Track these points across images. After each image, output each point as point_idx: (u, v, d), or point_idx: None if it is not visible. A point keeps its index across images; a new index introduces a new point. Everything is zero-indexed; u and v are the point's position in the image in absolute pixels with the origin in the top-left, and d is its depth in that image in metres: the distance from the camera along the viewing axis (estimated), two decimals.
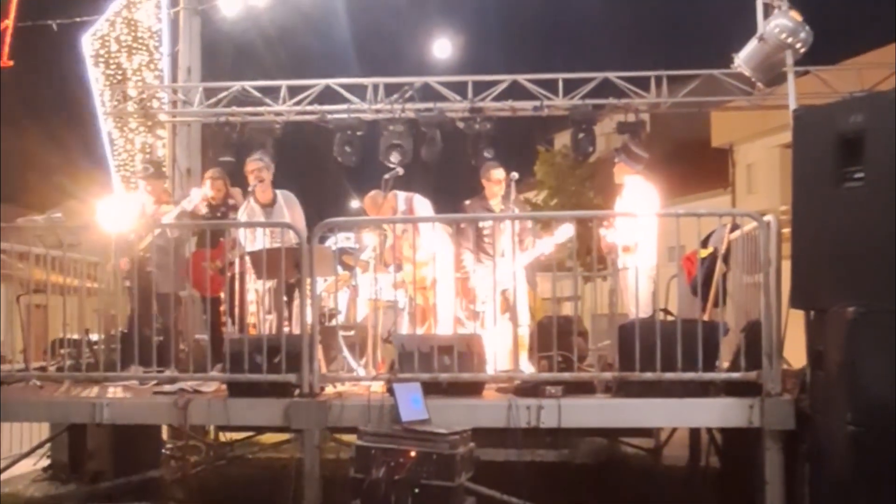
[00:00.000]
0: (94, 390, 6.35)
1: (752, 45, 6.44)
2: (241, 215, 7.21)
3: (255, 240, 6.98)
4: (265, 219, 7.18)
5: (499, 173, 7.23)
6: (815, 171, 4.99)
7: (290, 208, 7.29)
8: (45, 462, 7.81)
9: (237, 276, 6.90)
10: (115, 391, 6.36)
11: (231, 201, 7.56)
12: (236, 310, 6.87)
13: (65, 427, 7.34)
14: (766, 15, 6.27)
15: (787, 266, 5.30)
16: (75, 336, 6.87)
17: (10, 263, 6.97)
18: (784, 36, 6.19)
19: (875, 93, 6.42)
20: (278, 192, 7.37)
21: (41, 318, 7.21)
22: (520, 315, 6.71)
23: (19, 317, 7.00)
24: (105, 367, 6.62)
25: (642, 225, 6.60)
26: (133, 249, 6.98)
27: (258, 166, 7.28)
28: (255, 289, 7.02)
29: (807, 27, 6.20)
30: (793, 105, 5.96)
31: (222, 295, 7.10)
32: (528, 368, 6.69)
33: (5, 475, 7.14)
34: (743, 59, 6.62)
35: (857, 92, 9.57)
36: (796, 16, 6.18)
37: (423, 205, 7.49)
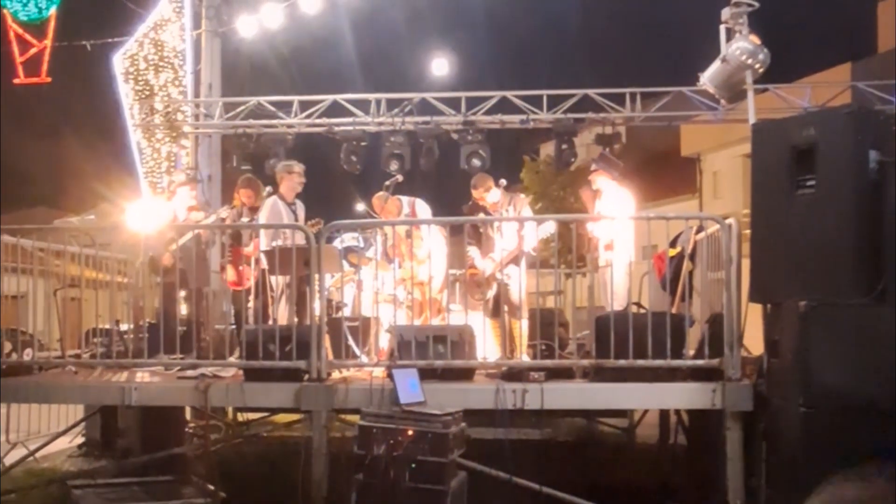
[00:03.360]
0: (123, 375, 6.35)
1: (715, 66, 6.43)
2: (267, 208, 7.30)
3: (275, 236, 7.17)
4: (287, 214, 7.33)
5: (476, 193, 7.24)
6: (772, 180, 4.99)
7: (302, 210, 7.53)
8: (80, 440, 7.82)
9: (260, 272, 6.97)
10: (142, 376, 6.36)
11: (259, 203, 7.72)
12: (255, 301, 6.92)
13: (97, 408, 7.35)
14: (729, 38, 6.25)
15: (746, 264, 5.31)
16: (107, 326, 6.87)
17: (47, 260, 6.96)
18: (744, 57, 6.18)
19: (826, 109, 6.42)
20: (297, 200, 7.60)
21: (76, 310, 7.19)
22: (517, 308, 6.74)
23: (56, 309, 6.99)
24: (133, 354, 6.62)
25: (619, 226, 6.61)
26: (167, 249, 7.03)
27: (295, 181, 7.47)
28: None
29: (765, 49, 6.18)
30: (752, 119, 5.96)
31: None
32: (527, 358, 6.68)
33: (44, 451, 7.16)
34: (707, 78, 6.61)
35: (811, 107, 9.62)
36: (755, 39, 6.17)
37: (423, 209, 7.54)
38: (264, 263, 6.86)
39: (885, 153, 4.62)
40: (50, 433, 7.47)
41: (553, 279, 6.85)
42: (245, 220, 7.64)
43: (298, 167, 7.64)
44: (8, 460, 6.80)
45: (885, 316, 4.48)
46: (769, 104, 9.52)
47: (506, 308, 6.61)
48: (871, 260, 4.55)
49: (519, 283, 6.80)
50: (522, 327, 6.83)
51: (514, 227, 6.83)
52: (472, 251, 7.12)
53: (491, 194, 7.11)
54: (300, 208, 7.54)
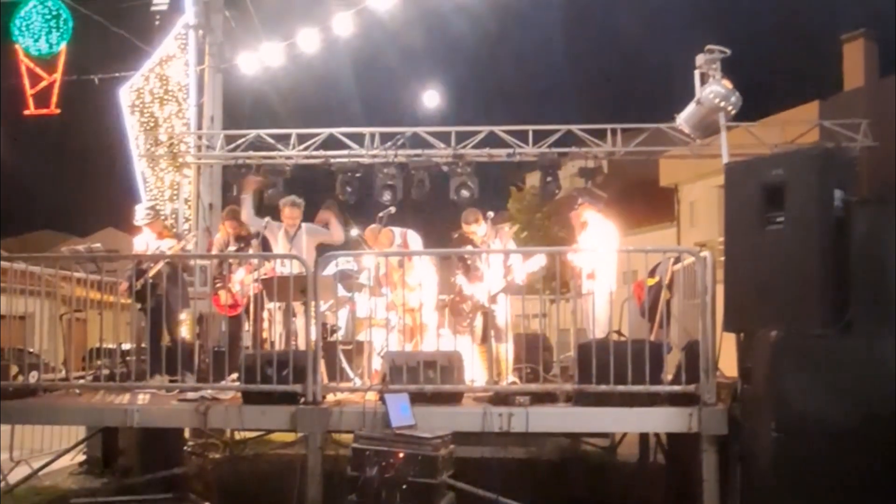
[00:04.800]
0: (125, 397, 6.32)
1: (690, 108, 6.51)
2: (274, 231, 7.50)
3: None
4: (288, 241, 7.46)
5: (466, 226, 7.23)
6: (744, 216, 5.07)
7: (310, 235, 7.54)
8: (82, 458, 7.74)
9: (253, 298, 6.97)
10: (143, 397, 6.33)
11: (244, 233, 7.74)
12: (252, 326, 6.93)
13: (99, 428, 7.30)
14: (703, 82, 6.35)
15: (721, 289, 5.35)
16: (110, 345, 6.85)
17: (54, 283, 6.95)
18: (718, 101, 6.26)
19: (793, 150, 6.51)
20: (304, 224, 7.60)
21: (81, 330, 7.17)
22: (503, 333, 6.77)
23: (61, 333, 6.96)
24: (135, 376, 6.59)
25: (602, 257, 6.67)
26: (141, 276, 7.07)
27: (292, 214, 7.56)
28: (268, 308, 7.09)
29: (737, 93, 6.27)
30: (725, 158, 6.03)
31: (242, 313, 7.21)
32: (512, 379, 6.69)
33: (47, 469, 7.08)
34: (683, 119, 6.69)
35: (780, 145, 9.75)
36: (727, 83, 6.27)
37: (415, 239, 7.58)
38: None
39: (849, 192, 4.72)
40: (53, 451, 7.39)
41: (538, 302, 6.90)
42: (232, 248, 7.72)
43: (286, 206, 7.64)
44: (12, 478, 6.72)
45: (851, 345, 4.55)
46: (741, 140, 9.63)
47: (492, 332, 6.63)
48: (838, 292, 4.62)
49: (505, 309, 6.83)
50: (508, 350, 6.85)
51: (501, 258, 6.88)
52: (460, 279, 7.16)
53: (480, 228, 7.17)
54: (304, 233, 7.54)
